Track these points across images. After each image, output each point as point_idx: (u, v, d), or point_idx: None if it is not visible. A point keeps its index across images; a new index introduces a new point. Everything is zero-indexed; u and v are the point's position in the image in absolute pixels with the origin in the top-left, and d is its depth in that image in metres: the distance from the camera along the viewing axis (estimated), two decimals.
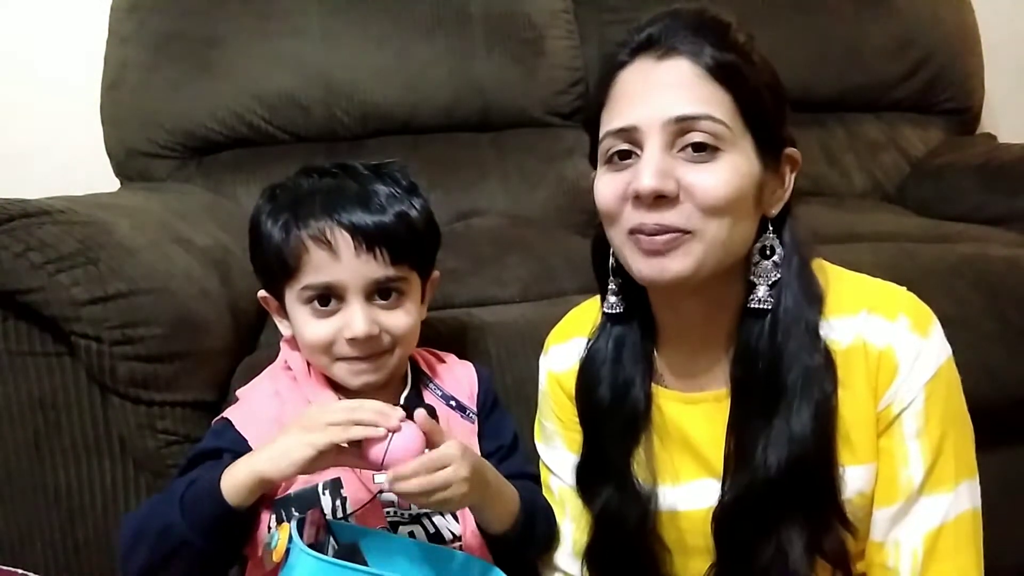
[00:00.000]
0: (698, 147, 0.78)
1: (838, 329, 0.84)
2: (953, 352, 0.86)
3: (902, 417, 0.82)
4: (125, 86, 1.75)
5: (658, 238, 0.79)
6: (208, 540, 0.79)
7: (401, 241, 0.91)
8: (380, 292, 0.91)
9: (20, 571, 1.09)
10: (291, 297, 0.93)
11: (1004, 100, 2.23)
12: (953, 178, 1.85)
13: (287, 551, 0.74)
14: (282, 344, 1.00)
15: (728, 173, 0.78)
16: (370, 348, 0.91)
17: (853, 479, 0.83)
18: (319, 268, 0.89)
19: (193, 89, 1.74)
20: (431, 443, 0.80)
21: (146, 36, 1.75)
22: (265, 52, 1.76)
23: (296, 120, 1.78)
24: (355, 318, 0.89)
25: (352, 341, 0.90)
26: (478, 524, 0.92)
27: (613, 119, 0.82)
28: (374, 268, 0.90)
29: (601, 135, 0.84)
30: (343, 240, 0.89)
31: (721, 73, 0.78)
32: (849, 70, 1.99)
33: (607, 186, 0.83)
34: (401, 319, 0.92)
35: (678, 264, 0.79)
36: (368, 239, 0.89)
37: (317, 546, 0.75)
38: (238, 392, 0.99)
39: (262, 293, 0.98)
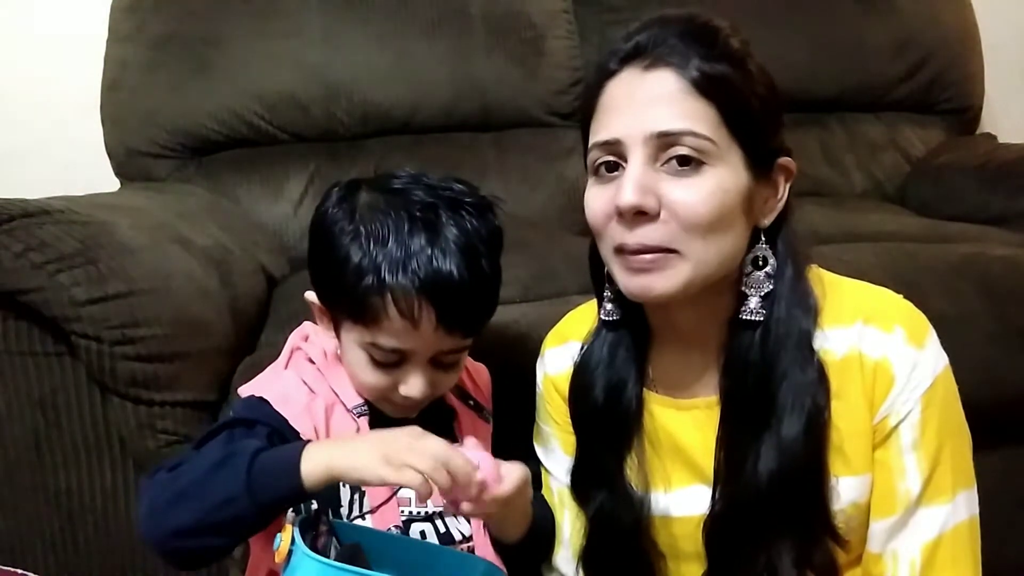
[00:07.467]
0: (683, 160, 0.77)
1: (833, 340, 0.83)
2: (953, 352, 0.85)
3: (899, 429, 0.82)
4: (125, 86, 1.75)
5: (644, 257, 0.78)
6: (266, 516, 0.77)
7: (478, 319, 0.89)
8: (442, 358, 0.89)
9: (20, 571, 1.09)
10: (350, 336, 0.88)
11: (1004, 100, 2.23)
12: (953, 178, 1.85)
13: (289, 552, 0.74)
14: (296, 337, 0.96)
15: (711, 188, 0.77)
16: (422, 404, 0.91)
17: (847, 490, 0.83)
18: (396, 335, 0.85)
19: (193, 89, 1.74)
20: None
21: (146, 36, 1.74)
22: (265, 52, 1.76)
23: (296, 120, 1.77)
24: (416, 382, 0.88)
25: (407, 399, 0.89)
26: (491, 532, 0.92)
27: (599, 131, 0.81)
28: (447, 342, 0.87)
29: (588, 146, 0.83)
30: (427, 315, 0.84)
31: (707, 86, 0.77)
32: (849, 70, 1.99)
33: (594, 200, 0.82)
34: (452, 379, 0.93)
35: (664, 283, 0.78)
36: (451, 320, 0.85)
37: (320, 548, 0.75)
38: (254, 382, 0.93)
39: (312, 297, 0.92)
